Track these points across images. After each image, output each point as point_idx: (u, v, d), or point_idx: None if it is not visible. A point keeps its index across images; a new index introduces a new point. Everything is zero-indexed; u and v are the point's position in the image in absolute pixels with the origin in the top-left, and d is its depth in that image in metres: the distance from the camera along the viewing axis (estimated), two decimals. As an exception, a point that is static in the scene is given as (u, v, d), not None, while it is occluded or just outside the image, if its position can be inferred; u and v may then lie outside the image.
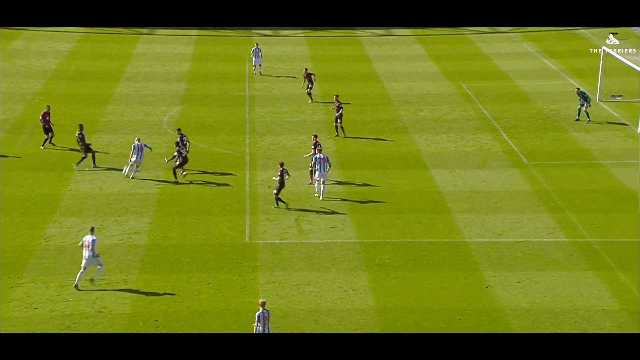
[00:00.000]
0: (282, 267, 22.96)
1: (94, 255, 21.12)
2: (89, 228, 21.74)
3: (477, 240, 24.26)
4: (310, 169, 27.95)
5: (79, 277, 21.26)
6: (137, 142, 28.57)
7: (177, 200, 27.10)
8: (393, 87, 40.62)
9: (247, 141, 32.96)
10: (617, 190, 27.40)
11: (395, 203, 26.91)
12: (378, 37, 51.85)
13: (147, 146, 28.89)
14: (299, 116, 36.35)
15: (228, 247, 24.03)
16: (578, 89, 34.91)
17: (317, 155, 26.93)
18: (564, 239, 24.10)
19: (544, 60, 44.81)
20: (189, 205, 26.65)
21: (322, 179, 26.73)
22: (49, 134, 31.17)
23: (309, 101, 37.43)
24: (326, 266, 23.01)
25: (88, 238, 21.26)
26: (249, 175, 29.42)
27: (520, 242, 24.02)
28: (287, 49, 48.79)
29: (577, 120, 34.18)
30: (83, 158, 29.21)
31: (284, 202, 26.26)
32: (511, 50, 47.36)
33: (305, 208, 26.66)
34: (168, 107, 36.76)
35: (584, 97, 34.03)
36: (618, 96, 37.09)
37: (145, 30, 52.24)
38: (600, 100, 36.67)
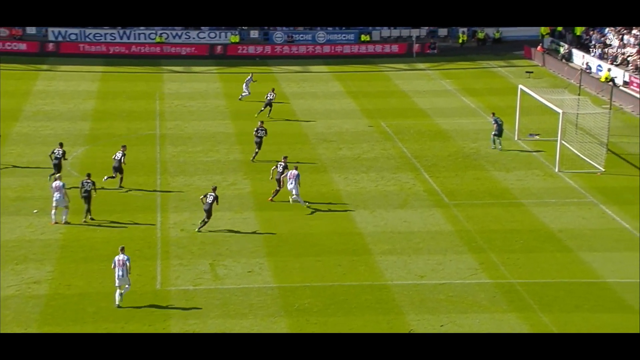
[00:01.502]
0: (196, 315, 22.56)
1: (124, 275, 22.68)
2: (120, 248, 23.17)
3: (400, 282, 24.48)
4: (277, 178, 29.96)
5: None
6: (57, 182, 27.87)
7: (82, 246, 26.38)
8: (311, 125, 40.97)
9: (158, 182, 32.52)
10: (538, 229, 28.25)
11: (314, 245, 26.94)
12: (295, 73, 52.38)
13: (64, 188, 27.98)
14: (213, 155, 36.15)
15: (138, 294, 23.46)
16: (493, 113, 36.60)
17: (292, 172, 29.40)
18: (486, 280, 24.59)
19: (462, 98, 46.17)
20: (96, 251, 25.97)
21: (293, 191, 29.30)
22: None
23: (263, 113, 40.18)
24: (243, 313, 22.74)
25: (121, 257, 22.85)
26: (160, 218, 28.95)
27: (443, 284, 24.37)
28: (199, 85, 48.69)
29: (494, 147, 36.11)
30: None
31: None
32: (429, 88, 48.62)
33: (220, 252, 26.37)
34: (72, 147, 35.94)
35: (497, 124, 36.01)
36: (536, 135, 38.47)
37: (45, 67, 51.25)
38: (519, 139, 37.95)
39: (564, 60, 54.16)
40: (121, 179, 31.45)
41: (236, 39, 59.01)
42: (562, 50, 55.99)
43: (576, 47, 55.43)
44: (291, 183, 29.54)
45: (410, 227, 28.45)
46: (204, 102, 45.12)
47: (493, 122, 36.81)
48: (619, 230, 28.15)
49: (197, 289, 23.94)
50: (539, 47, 55.71)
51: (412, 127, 40.19)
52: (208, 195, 27.62)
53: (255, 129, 35.14)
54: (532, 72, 51.22)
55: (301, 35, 59.22)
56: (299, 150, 36.88)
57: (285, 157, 30.74)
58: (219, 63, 54.40)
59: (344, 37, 59.71)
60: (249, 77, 45.21)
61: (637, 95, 45.39)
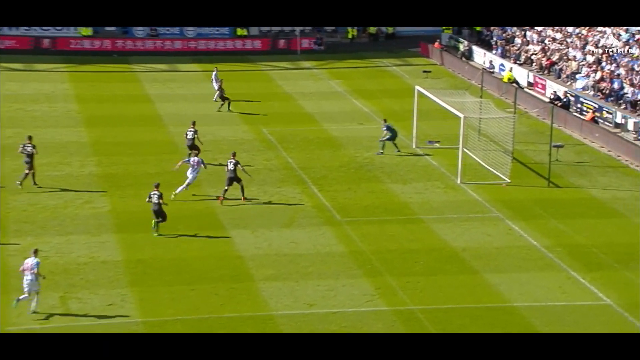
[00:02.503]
0: None
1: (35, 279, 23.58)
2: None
3: (286, 312, 24.55)
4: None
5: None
6: None
7: None
8: (181, 132, 40.55)
9: (-3, 200, 31.43)
10: (439, 248, 29.00)
11: (186, 272, 26.66)
12: (160, 72, 51.81)
13: None
14: (64, 169, 35.26)
15: (-27, 336, 22.49)
16: (385, 120, 37.68)
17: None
18: (383, 308, 25.00)
19: (354, 100, 46.94)
20: None
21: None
22: None
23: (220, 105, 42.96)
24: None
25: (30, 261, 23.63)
26: (-1, 243, 27.97)
27: (335, 312, 24.61)
28: (45, 86, 47.43)
29: (399, 151, 37.29)
30: None
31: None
32: (316, 89, 49.17)
33: (74, 282, 25.68)
34: None
35: (390, 130, 37.15)
36: (435, 142, 39.52)
37: None
38: (417, 147, 38.90)
39: (464, 59, 56.00)
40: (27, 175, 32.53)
41: (88, 31, 57.83)
42: (461, 47, 57.87)
43: (476, 44, 57.45)
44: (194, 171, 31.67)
45: (298, 249, 28.60)
46: (51, 106, 43.96)
47: (385, 128, 37.61)
48: (526, 248, 29.26)
49: (44, 328, 23.20)
50: (436, 44, 57.35)
51: (298, 134, 40.49)
52: (152, 195, 28.96)
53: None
54: (429, 72, 52.68)
55: (166, 28, 58.67)
56: (167, 161, 36.43)
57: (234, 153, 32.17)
58: (68, 60, 53.16)
59: (217, 30, 59.63)
60: (214, 72, 46.64)
61: (542, 97, 47.48)
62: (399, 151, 37.51)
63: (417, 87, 39.94)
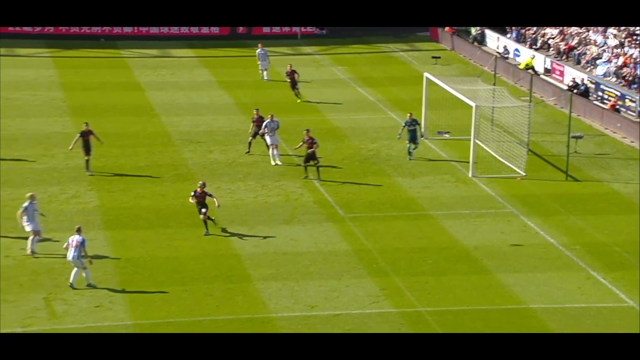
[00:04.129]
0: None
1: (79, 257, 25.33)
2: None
3: (286, 314, 24.64)
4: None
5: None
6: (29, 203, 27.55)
7: None
8: (174, 122, 40.68)
9: (-23, 195, 31.52)
10: (450, 247, 29.07)
11: (180, 271, 26.75)
12: (151, 58, 51.88)
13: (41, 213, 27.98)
14: (48, 161, 35.36)
15: (-49, 340, 22.60)
16: (411, 114, 36.31)
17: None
18: (390, 309, 25.09)
19: (358, 88, 46.99)
20: None
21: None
22: None
23: (298, 100, 43.12)
24: None
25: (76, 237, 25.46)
26: (-21, 241, 28.05)
27: (338, 315, 24.70)
28: (28, 73, 47.54)
29: (411, 159, 36.09)
30: None
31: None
32: (319, 77, 49.22)
33: (59, 283, 25.78)
34: None
35: (415, 124, 35.82)
36: (446, 133, 39.58)
37: None
38: (426, 138, 38.93)
39: (476, 43, 56.00)
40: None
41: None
42: (474, 31, 57.87)
43: (490, 28, 57.45)
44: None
45: (298, 247, 28.67)
46: (34, 93, 44.06)
47: (411, 125, 35.87)
48: (543, 246, 29.32)
49: (27, 330, 23.29)
50: (447, 28, 57.39)
51: (299, 125, 40.54)
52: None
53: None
54: (440, 58, 52.69)
55: (159, 10, 58.85)
56: (159, 153, 36.55)
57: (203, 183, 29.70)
58: (52, 45, 53.22)
59: (213, 13, 59.71)
60: (260, 50, 47.78)
61: (561, 84, 47.48)
62: (411, 159, 36.05)
63: (427, 74, 39.98)
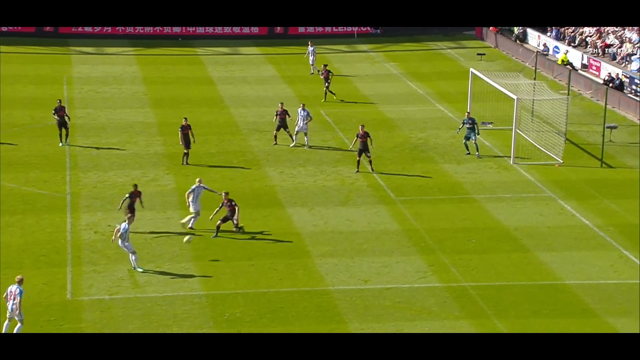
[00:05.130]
0: (113, 327, 22.31)
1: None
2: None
3: (342, 287, 24.65)
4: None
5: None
6: (197, 185, 27.81)
7: (-20, 251, 25.81)
8: (241, 113, 40.85)
9: (68, 178, 32.00)
10: (492, 227, 28.77)
11: (247, 247, 26.89)
12: (222, 56, 52.13)
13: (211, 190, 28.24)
14: (131, 148, 35.76)
15: (44, 306, 23.06)
16: (468, 113, 35.18)
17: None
18: (436, 284, 24.95)
19: (409, 82, 46.64)
20: (-4, 257, 25.45)
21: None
22: None
23: (322, 100, 41.20)
24: (166, 324, 22.58)
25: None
26: (70, 219, 28.50)
27: (389, 288, 24.64)
28: (114, 69, 48.06)
29: (469, 153, 34.74)
30: None
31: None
32: (373, 72, 48.97)
33: (141, 256, 26.09)
34: (-33, 137, 35.15)
35: (472, 123, 34.44)
36: (489, 123, 39.11)
37: None
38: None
39: (518, 41, 55.19)
40: None
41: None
42: (516, 30, 57.02)
43: (531, 27, 56.55)
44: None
45: (353, 227, 28.63)
46: (119, 87, 44.56)
47: (468, 123, 34.48)
48: (579, 227, 28.87)
49: (114, 298, 23.67)
50: (491, 27, 56.64)
51: (354, 116, 40.43)
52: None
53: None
54: (484, 54, 52.04)
55: (229, 12, 59.00)
56: (228, 141, 36.75)
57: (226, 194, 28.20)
58: (136, 44, 53.75)
59: (278, 14, 59.65)
60: (310, 47, 47.68)
61: (596, 79, 46.58)
62: (479, 155, 34.49)
63: (472, 70, 39.52)
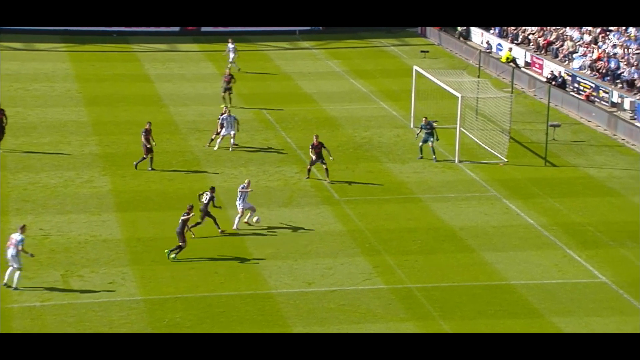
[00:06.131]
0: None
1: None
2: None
3: (285, 291, 24.58)
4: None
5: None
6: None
7: None
8: (180, 112, 40.50)
9: (-2, 180, 31.36)
10: (437, 227, 28.99)
11: (187, 251, 26.64)
12: (160, 52, 51.61)
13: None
14: (64, 148, 35.18)
15: (-25, 314, 22.55)
16: (425, 118, 35.02)
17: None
18: (381, 286, 25.04)
19: (352, 80, 46.78)
20: None
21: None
22: None
23: (222, 105, 38.41)
24: (102, 331, 22.23)
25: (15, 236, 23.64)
26: None
27: (334, 291, 24.65)
28: (45, 66, 47.23)
29: (421, 157, 34.65)
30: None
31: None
32: (315, 70, 49.00)
33: (75, 261, 25.68)
34: None
35: (430, 128, 34.42)
36: (433, 122, 39.39)
37: None
38: (415, 127, 38.74)
39: (461, 39, 55.78)
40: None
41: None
42: (459, 27, 57.63)
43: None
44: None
45: (297, 228, 28.58)
46: (51, 85, 43.83)
47: (426, 127, 34.40)
48: (523, 226, 29.27)
49: (45, 305, 23.23)
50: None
51: (297, 114, 40.40)
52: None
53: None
54: (427, 52, 52.48)
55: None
56: (166, 141, 36.37)
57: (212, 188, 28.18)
58: (68, 40, 52.90)
59: (217, 10, 59.28)
60: (231, 45, 46.39)
61: (540, 77, 47.34)
62: (435, 159, 34.36)
63: (415, 67, 39.80)
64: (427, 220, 29.48)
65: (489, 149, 35.86)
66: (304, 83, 45.91)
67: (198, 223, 27.43)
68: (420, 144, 35.04)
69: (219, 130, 35.06)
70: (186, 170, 33.29)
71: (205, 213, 27.52)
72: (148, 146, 32.66)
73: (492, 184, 32.79)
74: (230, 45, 46.62)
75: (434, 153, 34.85)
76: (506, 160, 35.03)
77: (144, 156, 32.69)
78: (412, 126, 38.63)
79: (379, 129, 38.75)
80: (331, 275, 25.48)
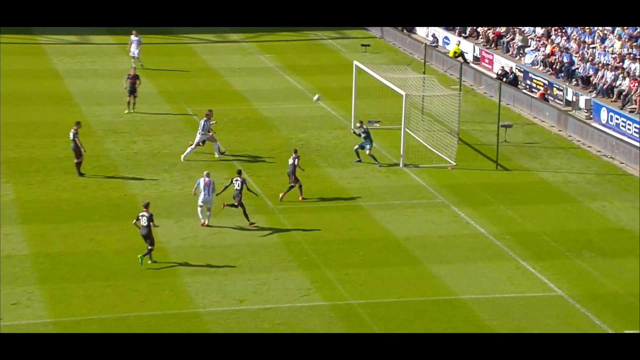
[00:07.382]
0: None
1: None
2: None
3: (214, 309, 24.51)
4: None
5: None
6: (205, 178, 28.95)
7: None
8: (94, 111, 40.10)
9: None
10: (381, 238, 29.22)
11: (103, 267, 26.40)
12: (69, 45, 51.02)
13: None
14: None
15: None
16: (360, 123, 35.20)
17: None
18: (320, 303, 25.14)
19: (287, 77, 46.92)
20: None
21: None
22: None
23: (125, 112, 38.78)
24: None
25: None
26: None
27: (268, 309, 24.67)
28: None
29: (359, 161, 34.84)
30: None
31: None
32: (246, 65, 49.01)
33: (-25, 280, 25.23)
34: None
35: (367, 134, 34.63)
36: (376, 122, 39.76)
37: None
38: (356, 128, 38.98)
39: (405, 31, 56.36)
40: None
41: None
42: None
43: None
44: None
45: (226, 239, 28.53)
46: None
47: (364, 132, 34.66)
48: (473, 236, 29.67)
49: (-56, 330, 22.77)
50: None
51: (226, 114, 40.32)
52: (140, 217, 26.30)
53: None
54: (369, 46, 52.90)
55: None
56: (79, 144, 35.96)
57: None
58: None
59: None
60: (135, 37, 45.40)
61: (490, 73, 48.08)
62: (379, 165, 34.68)
63: (356, 63, 40.08)
64: (370, 230, 29.69)
65: (437, 152, 36.27)
66: (234, 80, 45.86)
67: (234, 205, 28.82)
68: (356, 147, 35.25)
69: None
70: (102, 176, 32.97)
71: (240, 200, 28.67)
72: (83, 150, 32.31)
73: (439, 190, 33.18)
74: (134, 38, 45.49)
75: (375, 160, 35.02)
76: (455, 163, 35.49)
77: (77, 161, 32.43)
78: (352, 127, 38.83)
79: (317, 130, 38.91)
80: (265, 292, 25.49)
